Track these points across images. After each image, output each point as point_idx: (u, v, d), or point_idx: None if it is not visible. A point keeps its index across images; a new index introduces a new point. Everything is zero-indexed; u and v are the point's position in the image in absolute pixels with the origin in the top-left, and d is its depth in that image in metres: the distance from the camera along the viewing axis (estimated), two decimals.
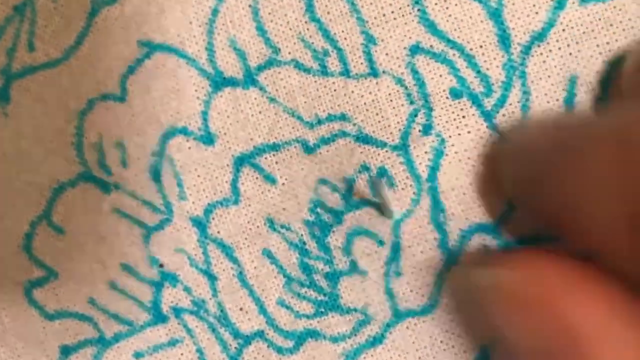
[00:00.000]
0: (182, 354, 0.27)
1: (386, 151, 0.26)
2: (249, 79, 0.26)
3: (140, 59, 0.26)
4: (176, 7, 0.26)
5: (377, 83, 0.26)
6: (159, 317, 0.27)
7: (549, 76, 0.25)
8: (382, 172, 0.26)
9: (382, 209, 0.26)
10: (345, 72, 0.26)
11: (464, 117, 0.25)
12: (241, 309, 0.27)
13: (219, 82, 0.26)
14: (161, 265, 0.27)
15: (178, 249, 0.27)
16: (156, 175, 0.27)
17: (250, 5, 0.26)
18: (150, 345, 0.27)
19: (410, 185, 0.26)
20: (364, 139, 0.26)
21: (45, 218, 0.27)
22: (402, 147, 0.26)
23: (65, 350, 0.28)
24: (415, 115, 0.25)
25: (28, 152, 0.27)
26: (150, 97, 0.26)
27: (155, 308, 0.27)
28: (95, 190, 0.27)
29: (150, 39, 0.26)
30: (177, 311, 0.27)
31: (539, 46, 0.25)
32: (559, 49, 0.25)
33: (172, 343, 0.27)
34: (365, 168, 0.26)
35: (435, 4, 0.25)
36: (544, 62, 0.25)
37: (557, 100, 0.25)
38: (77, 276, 0.27)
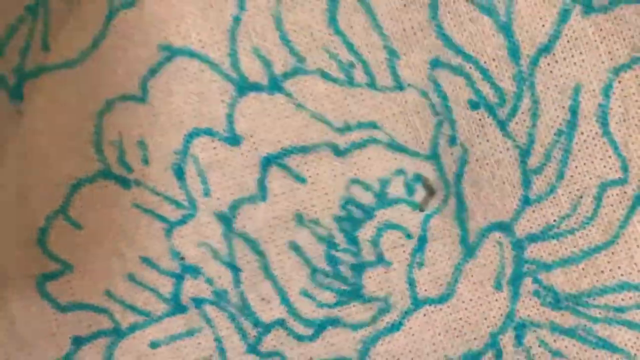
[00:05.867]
0: (199, 343, 0.28)
1: (420, 160, 0.27)
2: (274, 85, 0.27)
3: (161, 62, 0.27)
4: (197, 13, 0.27)
5: (404, 95, 0.27)
6: (177, 308, 0.28)
7: (555, 85, 0.27)
8: (419, 178, 0.27)
9: None
10: (372, 84, 0.27)
11: (482, 126, 0.27)
12: (263, 299, 0.28)
13: (244, 86, 0.27)
14: (182, 258, 0.28)
15: (201, 242, 0.27)
16: (179, 173, 0.27)
17: (272, 15, 0.27)
18: (168, 334, 0.28)
19: (442, 188, 0.28)
20: (396, 147, 0.27)
21: (61, 213, 0.27)
22: (434, 157, 0.27)
23: (77, 341, 0.28)
24: (441, 126, 0.27)
25: (43, 149, 0.27)
26: (172, 99, 0.27)
27: (174, 299, 0.28)
28: (115, 186, 0.27)
29: (171, 42, 0.27)
30: (198, 302, 0.28)
31: (545, 57, 0.27)
32: (564, 59, 0.27)
33: (190, 333, 0.28)
34: (401, 172, 0.27)
35: (451, 19, 0.27)
36: (551, 72, 0.27)
37: (563, 107, 0.27)
38: (93, 269, 0.27)
